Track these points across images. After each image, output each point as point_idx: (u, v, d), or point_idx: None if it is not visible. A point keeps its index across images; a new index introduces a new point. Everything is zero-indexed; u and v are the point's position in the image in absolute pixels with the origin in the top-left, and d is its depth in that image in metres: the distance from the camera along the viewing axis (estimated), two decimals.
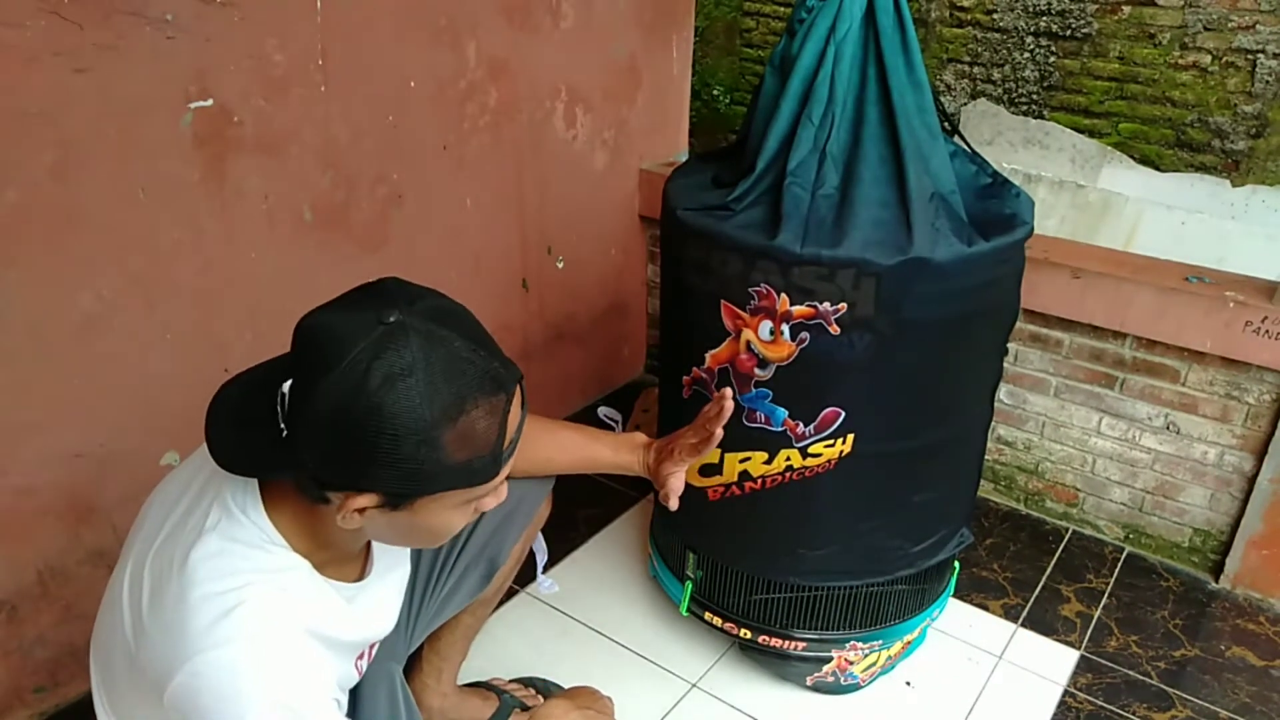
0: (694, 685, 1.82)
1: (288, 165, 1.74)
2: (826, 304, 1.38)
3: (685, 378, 1.59)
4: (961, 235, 1.38)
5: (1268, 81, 3.67)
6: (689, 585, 1.79)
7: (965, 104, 4.35)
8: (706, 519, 1.67)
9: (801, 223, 1.37)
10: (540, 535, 2.02)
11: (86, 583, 1.67)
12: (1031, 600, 2.08)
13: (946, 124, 1.53)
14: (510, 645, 1.90)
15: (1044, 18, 4.06)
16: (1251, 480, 2.06)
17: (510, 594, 2.02)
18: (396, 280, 0.94)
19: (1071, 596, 2.10)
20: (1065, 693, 1.84)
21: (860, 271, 1.35)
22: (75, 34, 1.40)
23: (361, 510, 0.91)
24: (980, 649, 1.94)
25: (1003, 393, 2.33)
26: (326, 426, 0.86)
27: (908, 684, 1.84)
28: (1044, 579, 2.15)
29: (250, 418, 0.92)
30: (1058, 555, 2.24)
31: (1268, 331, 1.92)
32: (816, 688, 1.77)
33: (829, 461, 1.50)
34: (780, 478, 1.53)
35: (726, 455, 1.56)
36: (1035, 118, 4.15)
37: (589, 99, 2.41)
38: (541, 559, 2.01)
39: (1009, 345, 2.27)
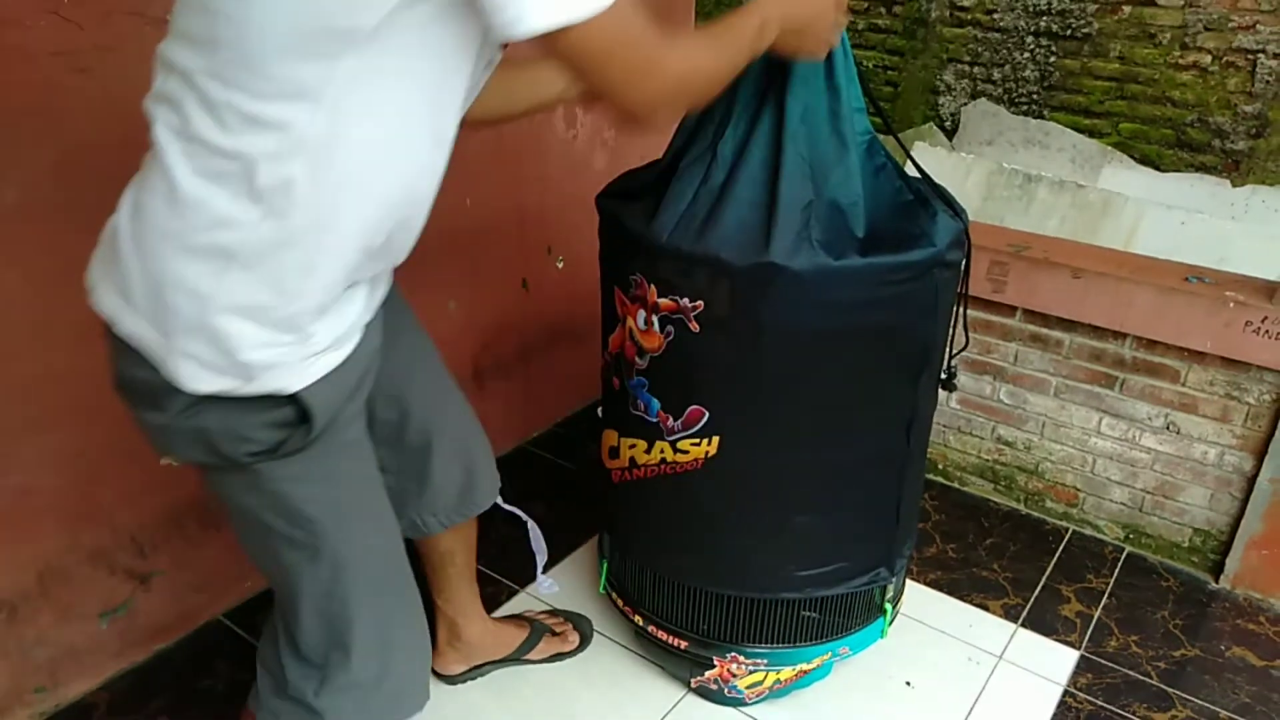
0: (692, 688, 1.82)
1: None
2: (686, 299, 1.37)
3: (602, 360, 1.64)
4: (834, 248, 1.32)
5: (1268, 81, 3.66)
6: (604, 564, 1.83)
7: (965, 104, 4.35)
8: (610, 500, 1.71)
9: (677, 216, 1.36)
10: (540, 536, 2.02)
11: (86, 583, 1.67)
12: (1031, 600, 2.08)
13: (890, 132, 1.52)
14: None
15: (1044, 17, 4.06)
16: (1251, 480, 2.06)
17: (510, 594, 2.03)
18: None
19: (1071, 596, 2.10)
20: (1065, 693, 1.84)
21: (714, 270, 1.33)
22: (75, 34, 1.40)
23: None
24: (980, 649, 1.94)
25: (1003, 393, 2.34)
26: None
27: (908, 684, 1.84)
28: (1044, 579, 2.15)
29: None
30: (1058, 555, 2.24)
31: (1268, 331, 1.92)
32: (699, 692, 1.78)
33: (697, 460, 1.50)
34: (657, 469, 1.55)
35: (621, 439, 1.59)
36: (1035, 118, 4.15)
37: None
38: (541, 559, 2.02)
39: (1014, 345, 2.27)
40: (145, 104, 0.93)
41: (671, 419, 1.49)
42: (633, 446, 1.57)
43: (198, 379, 0.94)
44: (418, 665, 1.30)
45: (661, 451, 1.52)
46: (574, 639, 1.87)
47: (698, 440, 1.48)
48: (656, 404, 1.50)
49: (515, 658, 1.81)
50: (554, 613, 1.94)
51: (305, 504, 1.06)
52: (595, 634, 1.92)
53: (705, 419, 1.46)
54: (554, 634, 1.86)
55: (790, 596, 1.61)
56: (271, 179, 0.87)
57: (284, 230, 0.89)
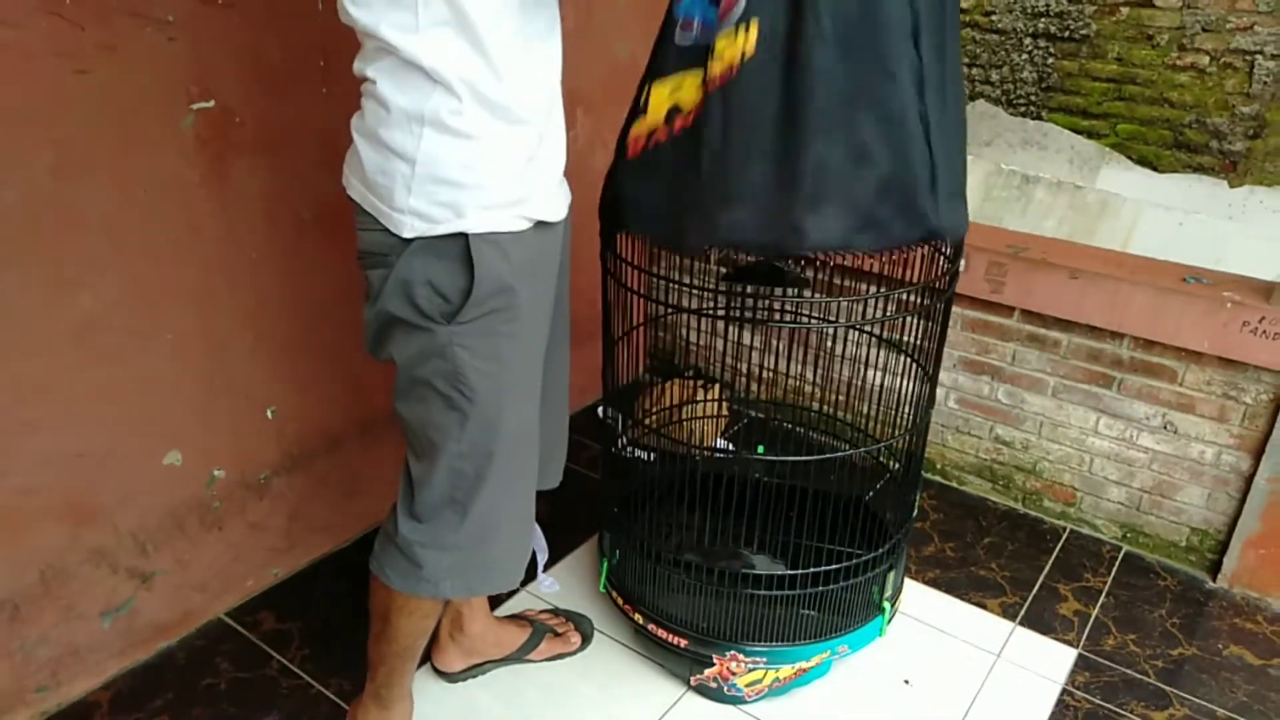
0: (692, 686, 1.82)
1: (288, 166, 1.75)
2: None
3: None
4: None
5: (1265, 82, 3.67)
6: (604, 563, 1.84)
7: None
8: (617, 180, 1.55)
9: None
10: (540, 535, 2.03)
11: (87, 582, 1.68)
12: (1029, 599, 2.09)
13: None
14: None
15: (1042, 19, 4.07)
16: (1249, 480, 2.07)
17: (511, 593, 2.03)
18: None
19: (1069, 595, 2.11)
20: (1063, 691, 1.84)
21: None
22: (76, 35, 1.40)
23: None
24: (978, 647, 1.95)
25: (1001, 392, 2.34)
26: None
27: (906, 682, 1.85)
28: (1042, 578, 2.16)
29: None
30: (1055, 554, 2.25)
31: (1265, 331, 1.92)
32: (699, 690, 1.78)
33: (731, 68, 1.29)
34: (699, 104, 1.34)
35: (654, 90, 1.38)
36: (1034, 119, 4.16)
37: (589, 99, 2.42)
38: (542, 558, 2.02)
39: (1012, 345, 2.28)
40: (355, 65, 1.24)
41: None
42: (676, 89, 1.35)
43: (404, 226, 1.20)
44: (517, 548, 1.46)
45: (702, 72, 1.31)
46: (575, 639, 1.87)
47: (734, 32, 1.28)
48: (712, 10, 1.30)
49: (516, 658, 1.82)
50: (555, 612, 1.95)
51: (471, 372, 1.26)
52: (595, 632, 1.93)
53: (742, 3, 1.27)
54: (555, 634, 1.87)
55: (827, 246, 1.37)
56: (426, 65, 1.13)
57: (449, 94, 1.15)
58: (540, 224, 1.29)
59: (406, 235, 1.20)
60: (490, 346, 1.26)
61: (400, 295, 1.24)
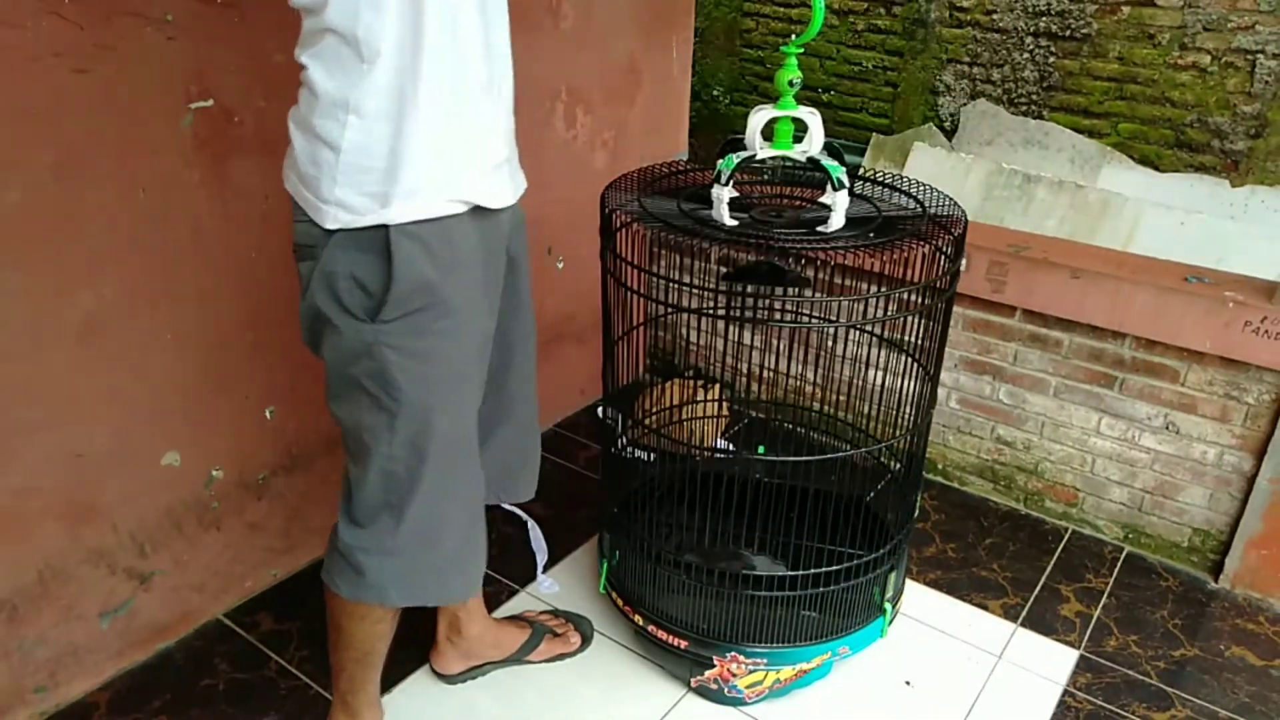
0: (692, 688, 1.82)
1: None
2: None
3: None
4: None
5: (1267, 82, 3.67)
6: (604, 564, 1.84)
7: (965, 104, 4.35)
8: None
9: None
10: (540, 535, 2.02)
11: (87, 582, 1.68)
12: (1031, 600, 2.08)
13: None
14: None
15: (1043, 18, 4.06)
16: (1251, 480, 2.06)
17: (510, 594, 2.03)
18: None
19: (1071, 596, 2.10)
20: (1065, 692, 1.84)
21: None
22: (75, 34, 1.40)
23: None
24: (980, 649, 1.94)
25: (1002, 393, 2.34)
26: None
27: (907, 683, 1.85)
28: (1043, 579, 2.16)
29: None
30: (1057, 555, 2.24)
31: (1267, 331, 1.92)
32: (699, 691, 1.78)
33: None
34: None
35: None
36: (1035, 118, 4.15)
37: (589, 100, 2.41)
38: (541, 559, 2.02)
39: (1014, 345, 2.28)
40: (295, 51, 1.21)
41: None
42: None
43: (327, 217, 1.18)
44: (467, 556, 1.41)
45: None
46: (575, 640, 1.87)
47: None
48: None
49: (516, 659, 1.81)
50: (555, 613, 1.94)
51: (398, 372, 1.22)
52: (595, 634, 1.92)
53: None
54: (555, 635, 1.86)
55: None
56: (360, 34, 1.11)
57: (376, 74, 1.13)
58: (479, 210, 1.25)
59: (329, 226, 1.18)
60: (418, 346, 1.23)
61: (325, 289, 1.21)
